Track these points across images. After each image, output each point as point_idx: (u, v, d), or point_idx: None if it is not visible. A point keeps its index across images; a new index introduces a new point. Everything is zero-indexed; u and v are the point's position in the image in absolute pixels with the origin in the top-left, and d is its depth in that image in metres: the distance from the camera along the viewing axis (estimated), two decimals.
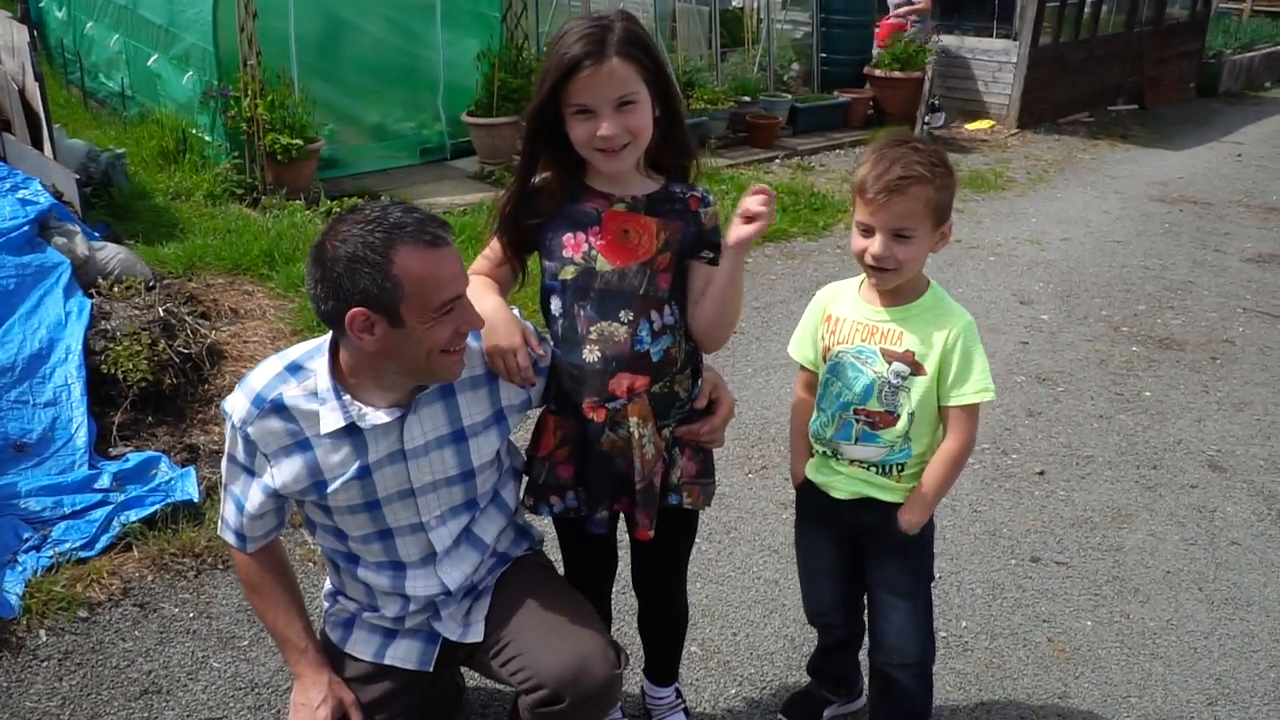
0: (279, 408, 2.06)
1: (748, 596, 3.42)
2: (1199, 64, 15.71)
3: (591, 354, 2.18)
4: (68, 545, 3.30)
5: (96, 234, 5.12)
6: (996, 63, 12.00)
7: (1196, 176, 10.21)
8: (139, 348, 4.00)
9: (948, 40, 12.11)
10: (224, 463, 2.19)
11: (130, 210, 6.35)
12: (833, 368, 2.40)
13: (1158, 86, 14.39)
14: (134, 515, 3.44)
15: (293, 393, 2.06)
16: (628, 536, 2.45)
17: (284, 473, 2.09)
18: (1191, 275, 7.08)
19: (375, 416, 2.05)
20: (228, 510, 2.22)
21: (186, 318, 4.48)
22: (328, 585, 2.44)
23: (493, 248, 2.30)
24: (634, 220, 2.16)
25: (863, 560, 2.57)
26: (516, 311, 2.23)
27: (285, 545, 3.38)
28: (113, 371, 3.92)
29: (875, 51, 11.57)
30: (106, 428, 3.85)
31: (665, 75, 2.12)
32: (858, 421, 2.36)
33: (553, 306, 2.25)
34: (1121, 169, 10.40)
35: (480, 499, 2.28)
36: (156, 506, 3.47)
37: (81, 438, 3.69)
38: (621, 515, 2.37)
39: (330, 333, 2.05)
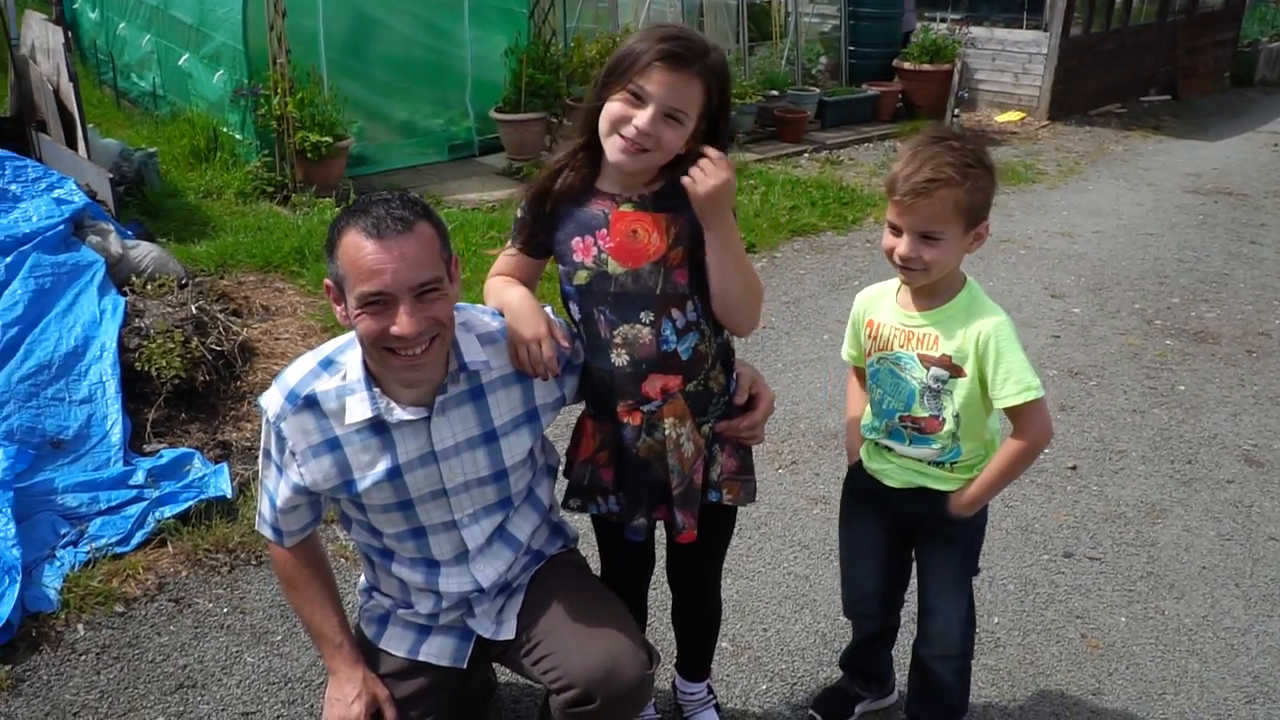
0: (312, 403, 2.08)
1: (778, 592, 3.41)
2: (1234, 52, 15.47)
3: (619, 358, 2.17)
4: (104, 541, 3.34)
5: (130, 232, 5.16)
6: (1027, 54, 11.88)
7: (1232, 167, 10.07)
8: (172, 345, 4.04)
9: (977, 31, 12.00)
10: (260, 457, 2.22)
11: (163, 209, 6.41)
12: (874, 374, 2.41)
13: (1191, 76, 14.19)
14: (168, 511, 3.48)
15: (325, 387, 2.08)
16: (664, 532, 2.45)
17: (313, 470, 2.11)
18: (1226, 267, 6.99)
19: (400, 412, 2.06)
20: (263, 505, 2.25)
21: (219, 315, 4.52)
22: (362, 581, 2.46)
23: (509, 251, 2.27)
24: (642, 219, 2.12)
25: (906, 551, 2.59)
26: (549, 309, 2.23)
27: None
28: (146, 369, 3.96)
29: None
30: (140, 424, 3.89)
31: (725, 116, 2.09)
32: (906, 428, 2.36)
33: (573, 312, 2.23)
34: (1154, 160, 10.27)
35: (514, 497, 2.28)
36: (190, 503, 3.51)
37: (116, 434, 3.73)
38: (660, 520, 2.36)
39: None
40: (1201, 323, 5.96)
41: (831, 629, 3.21)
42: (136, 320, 4.14)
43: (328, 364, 2.10)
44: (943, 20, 11.93)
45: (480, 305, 2.24)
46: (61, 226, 4.42)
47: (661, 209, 2.12)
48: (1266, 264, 7.10)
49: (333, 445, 2.09)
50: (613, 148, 2.04)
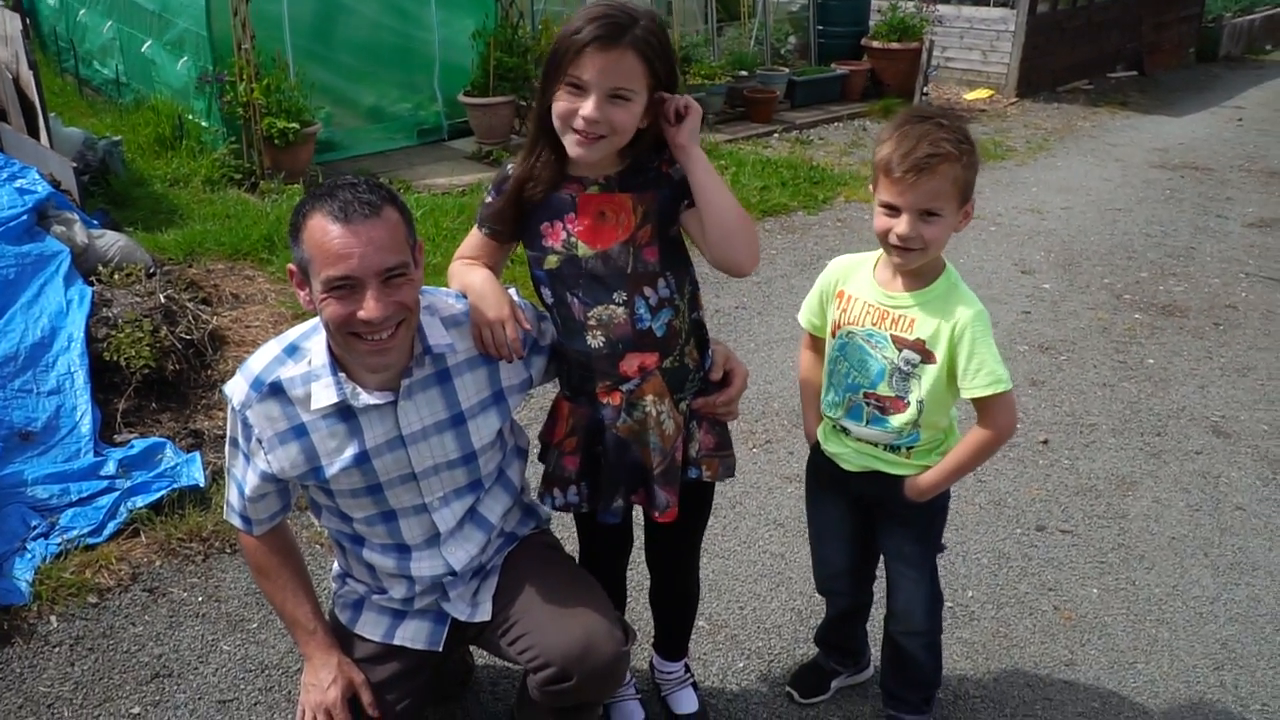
0: (277, 390, 2.06)
1: (754, 570, 3.43)
2: (1199, 28, 15.58)
3: (595, 339, 2.17)
4: (75, 532, 3.31)
5: (95, 222, 5.08)
6: (994, 31, 11.93)
7: (1197, 142, 10.16)
8: (141, 334, 4.00)
9: (945, 9, 12.03)
10: (226, 445, 2.20)
11: (128, 197, 6.32)
12: (841, 347, 2.39)
13: (1157, 52, 14.29)
14: (140, 501, 3.45)
15: (290, 374, 2.06)
16: (642, 514, 2.45)
17: (280, 458, 2.09)
18: (1193, 241, 7.06)
19: (367, 397, 2.04)
20: (231, 494, 2.23)
21: (188, 304, 4.48)
22: (336, 567, 2.45)
23: (475, 237, 2.26)
24: (609, 200, 2.12)
25: (871, 530, 2.59)
26: (514, 291, 2.22)
27: (293, 528, 3.41)
28: (115, 359, 3.92)
29: (872, 23, 11.50)
30: (111, 415, 3.85)
31: (674, 79, 2.06)
32: (868, 405, 2.36)
33: (544, 296, 2.23)
34: (1122, 136, 10.35)
35: (484, 479, 2.28)
36: (163, 492, 3.49)
37: (86, 425, 3.70)
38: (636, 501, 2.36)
39: None
40: (1170, 296, 6.02)
41: (807, 606, 3.23)
42: (104, 310, 4.10)
43: (292, 350, 2.08)
44: None
45: (444, 288, 2.22)
46: (25, 216, 4.36)
47: (627, 188, 2.12)
48: (1232, 237, 7.17)
49: (299, 432, 2.08)
50: (570, 144, 2.03)
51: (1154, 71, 13.96)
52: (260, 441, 2.09)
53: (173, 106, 7.50)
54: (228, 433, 2.17)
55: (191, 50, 7.41)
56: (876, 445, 2.40)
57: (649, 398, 2.20)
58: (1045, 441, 4.31)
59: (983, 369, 2.23)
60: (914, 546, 2.50)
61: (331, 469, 2.09)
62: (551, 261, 2.16)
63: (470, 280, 2.14)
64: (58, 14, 9.73)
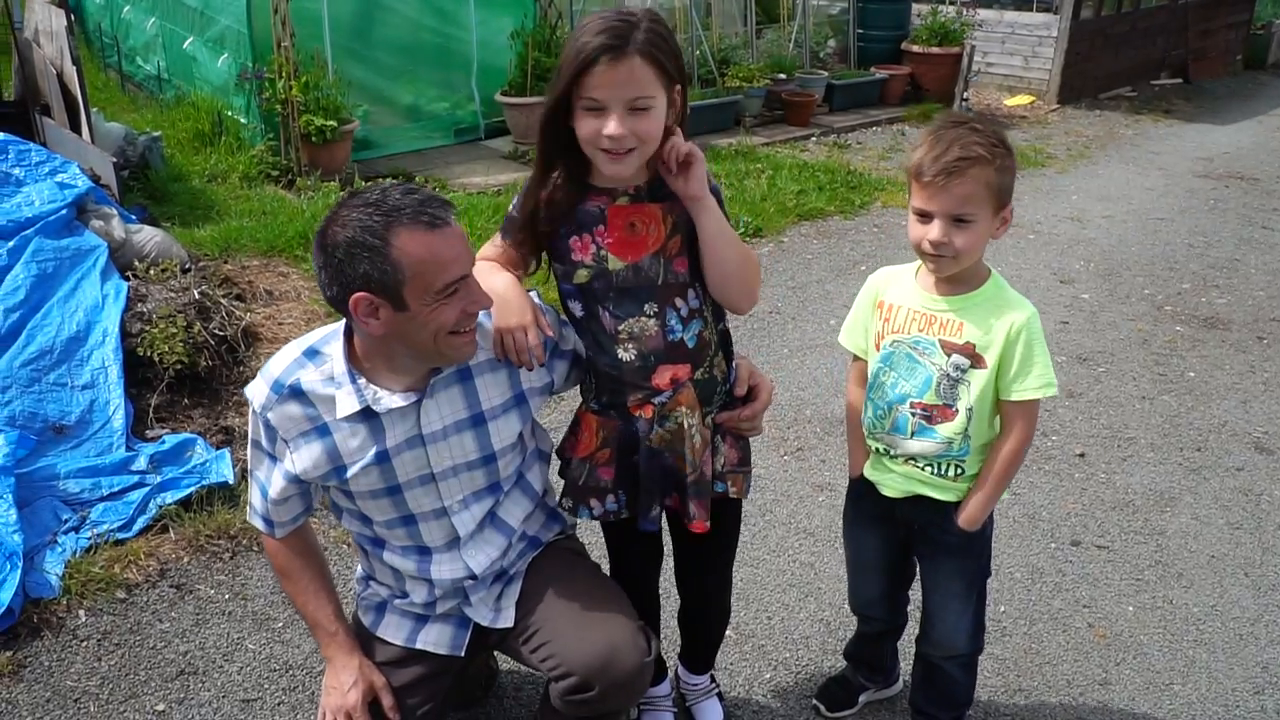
0: (297, 393, 2.05)
1: (783, 580, 3.39)
2: (1247, 35, 15.32)
3: (627, 352, 2.14)
4: (105, 526, 3.33)
5: (133, 217, 5.13)
6: (1036, 37, 11.79)
7: (1243, 152, 9.97)
8: (175, 330, 4.02)
9: (986, 14, 11.90)
10: (249, 448, 2.20)
11: (167, 193, 6.38)
12: (886, 358, 2.32)
13: (1203, 59, 14.06)
14: (170, 497, 3.47)
15: (310, 377, 2.05)
16: (670, 534, 2.42)
17: (304, 458, 2.08)
18: (1238, 253, 6.92)
19: (390, 400, 2.02)
20: (254, 496, 2.22)
21: (222, 300, 4.50)
22: (359, 570, 2.44)
23: (497, 243, 2.22)
24: (639, 211, 2.08)
25: (910, 556, 2.54)
26: (535, 294, 2.19)
27: (318, 528, 3.41)
28: (149, 354, 3.94)
29: (912, 27, 11.40)
30: (143, 410, 3.88)
31: (685, 82, 2.04)
32: (914, 415, 2.29)
33: (574, 310, 2.19)
34: (1165, 144, 10.18)
35: (504, 482, 2.25)
36: (192, 489, 3.50)
37: (119, 420, 3.72)
38: (666, 513, 2.33)
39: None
40: (1212, 308, 5.91)
41: (836, 618, 3.19)
42: (139, 305, 4.13)
43: (312, 354, 2.07)
44: (951, 3, 11.83)
45: None
46: (64, 211, 4.40)
47: (657, 198, 2.09)
48: (1278, 249, 7.02)
49: (323, 431, 2.06)
50: (602, 163, 2.01)
51: (1199, 79, 13.74)
52: (285, 441, 2.08)
53: (212, 103, 7.57)
54: (249, 436, 2.16)
55: (232, 47, 7.48)
56: (923, 466, 2.33)
57: (682, 409, 2.17)
58: (1082, 455, 4.23)
59: (1033, 370, 2.18)
60: (965, 577, 2.42)
61: (352, 469, 2.08)
62: (582, 276, 2.13)
63: (493, 283, 2.12)
64: (103, 10, 9.87)
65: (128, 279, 4.34)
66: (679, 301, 2.13)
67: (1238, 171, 9.15)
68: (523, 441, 2.28)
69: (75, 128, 6.07)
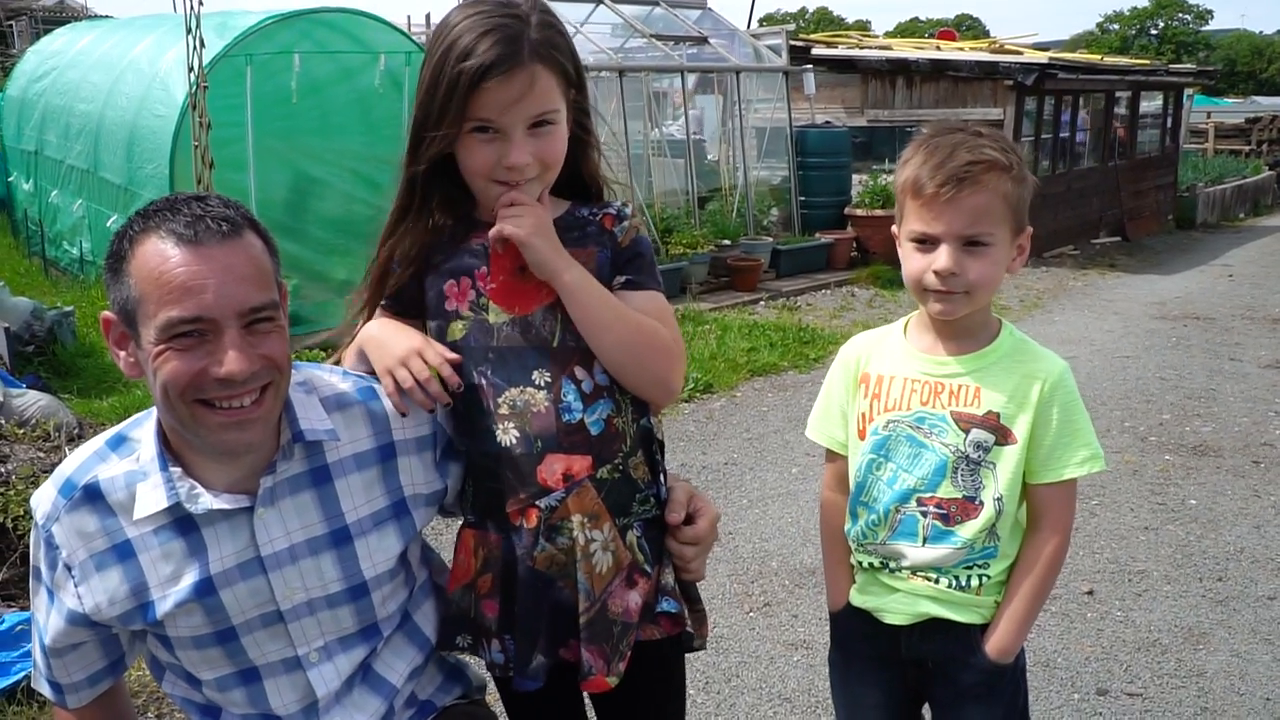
0: (92, 495, 1.50)
1: None
2: (1174, 196, 15.84)
3: (506, 435, 1.58)
4: None
5: (22, 385, 4.84)
6: None
7: (1193, 295, 9.93)
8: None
9: None
10: (30, 581, 1.61)
11: (74, 367, 6.15)
12: (879, 446, 1.78)
13: (1138, 218, 14.41)
14: None
15: (111, 472, 1.50)
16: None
17: (96, 589, 1.50)
18: (1212, 383, 6.64)
19: (209, 500, 1.47)
20: (35, 649, 1.62)
21: None
22: None
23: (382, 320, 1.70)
24: None
25: (922, 707, 1.92)
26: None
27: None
28: (3, 520, 3.37)
29: (854, 192, 11.49)
30: None
31: (585, 84, 1.63)
32: (925, 515, 1.74)
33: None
34: (1116, 293, 10.13)
35: (382, 625, 1.66)
36: (19, 675, 2.85)
37: None
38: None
39: None
40: (1198, 436, 5.54)
41: None
42: None
43: (118, 443, 1.53)
44: (889, 172, 12.00)
45: (324, 364, 1.70)
46: None
47: (559, 240, 1.60)
48: (1251, 378, 6.77)
49: (123, 552, 1.49)
50: (494, 194, 1.56)
51: (1137, 237, 14.01)
52: (69, 568, 1.51)
53: None
54: (30, 562, 1.58)
55: None
56: (935, 580, 1.77)
57: (575, 518, 1.59)
58: (1090, 592, 3.73)
59: (1076, 441, 1.70)
60: None
61: (164, 604, 1.49)
62: (456, 330, 1.62)
63: (365, 334, 1.63)
64: (31, 197, 9.75)
65: None
66: (580, 373, 1.60)
67: (1193, 313, 9.04)
68: (407, 568, 1.68)
69: None
